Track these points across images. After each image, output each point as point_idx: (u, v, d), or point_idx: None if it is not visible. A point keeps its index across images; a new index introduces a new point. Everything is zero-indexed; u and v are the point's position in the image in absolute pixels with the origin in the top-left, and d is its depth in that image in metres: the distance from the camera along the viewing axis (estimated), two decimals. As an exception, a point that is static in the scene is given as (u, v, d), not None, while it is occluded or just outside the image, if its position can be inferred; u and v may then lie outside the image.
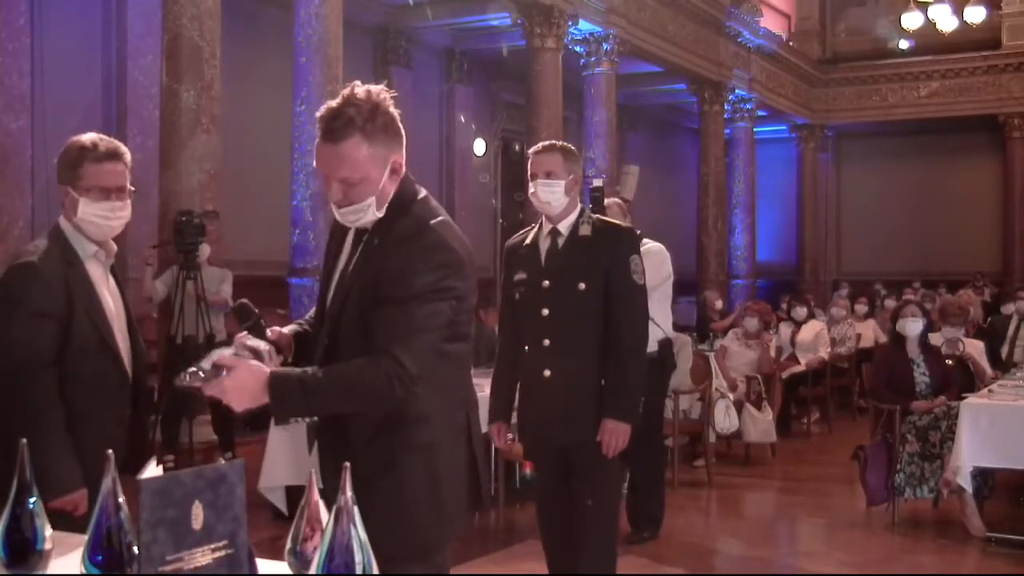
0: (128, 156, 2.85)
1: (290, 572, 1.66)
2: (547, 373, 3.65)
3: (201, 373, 2.16)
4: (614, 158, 13.38)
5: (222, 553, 1.56)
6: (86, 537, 1.53)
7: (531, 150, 3.90)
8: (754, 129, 18.26)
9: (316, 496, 1.65)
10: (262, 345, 2.27)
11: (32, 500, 1.61)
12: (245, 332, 2.29)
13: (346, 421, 2.30)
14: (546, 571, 3.93)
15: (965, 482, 5.64)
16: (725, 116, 16.98)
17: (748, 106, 17.69)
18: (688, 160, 18.58)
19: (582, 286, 3.63)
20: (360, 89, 2.28)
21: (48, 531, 1.63)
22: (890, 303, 11.71)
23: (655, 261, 5.36)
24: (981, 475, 5.86)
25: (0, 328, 2.73)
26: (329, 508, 1.57)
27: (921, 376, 6.39)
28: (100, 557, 1.51)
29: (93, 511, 1.54)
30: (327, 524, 1.52)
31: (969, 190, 20.65)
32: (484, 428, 3.25)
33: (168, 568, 1.48)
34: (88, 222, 2.79)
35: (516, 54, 12.55)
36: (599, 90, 13.15)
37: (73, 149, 2.80)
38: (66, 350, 2.72)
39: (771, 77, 18.78)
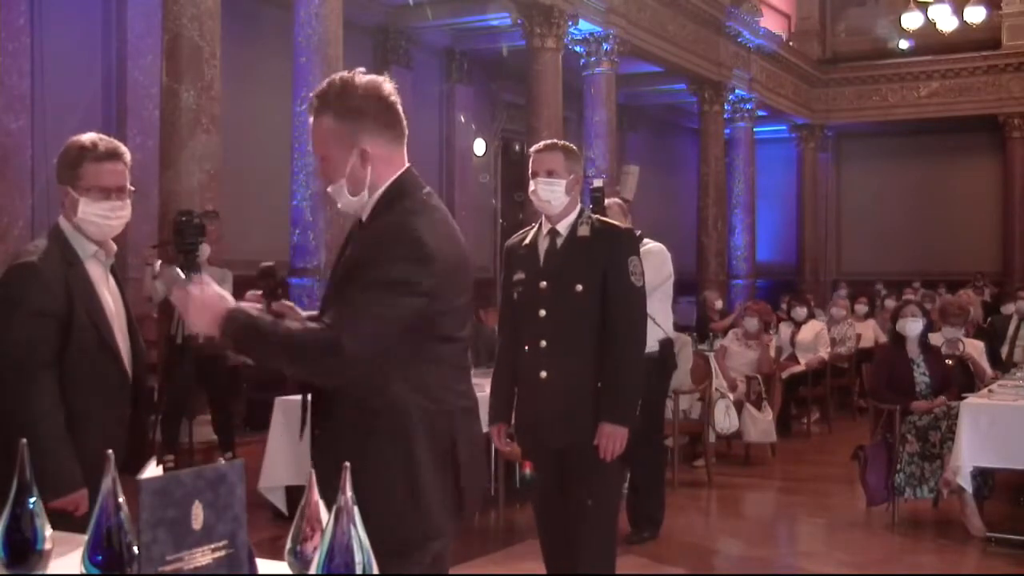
0: (128, 156, 2.85)
1: (290, 572, 1.66)
2: (544, 374, 3.63)
3: (182, 276, 2.23)
4: (614, 158, 13.38)
5: (222, 553, 1.56)
6: (86, 537, 1.53)
7: (532, 148, 3.88)
8: (754, 129, 18.26)
9: (316, 496, 1.65)
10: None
11: (32, 500, 1.61)
12: (259, 293, 2.35)
13: (333, 412, 2.32)
14: (545, 571, 3.93)
15: (965, 482, 5.64)
16: (725, 116, 16.97)
17: (748, 106, 17.68)
18: (688, 160, 18.58)
19: (579, 287, 3.61)
20: (357, 73, 2.34)
21: (48, 531, 1.63)
22: (890, 303, 11.71)
23: (656, 261, 5.35)
24: (981, 475, 5.86)
25: (0, 328, 2.73)
26: (329, 508, 1.57)
27: (921, 376, 6.39)
28: (100, 557, 1.51)
29: (93, 511, 1.54)
30: (327, 524, 1.52)
31: (969, 190, 20.65)
32: (484, 428, 3.23)
33: (168, 568, 1.48)
34: (88, 222, 2.79)
35: (516, 54, 12.55)
36: (599, 90, 13.15)
37: (73, 149, 2.80)
38: (66, 350, 2.72)
39: (771, 77, 18.78)
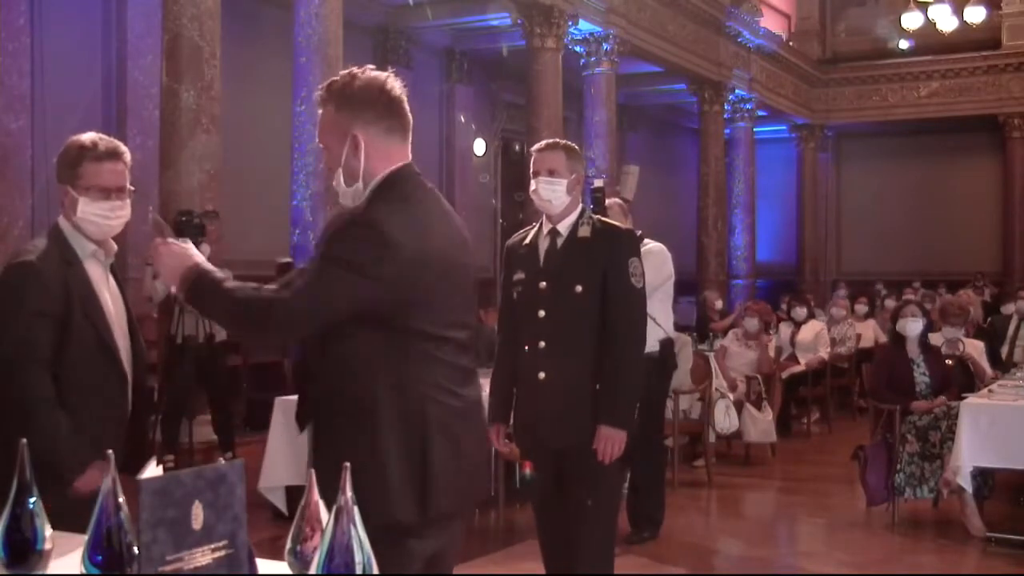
0: (128, 156, 2.85)
1: (290, 572, 1.66)
2: (542, 375, 3.60)
3: (168, 234, 2.39)
4: (614, 158, 13.38)
5: (222, 553, 1.56)
6: (86, 537, 1.53)
7: (534, 147, 3.86)
8: (754, 129, 18.26)
9: (316, 496, 1.65)
10: None
11: (32, 500, 1.60)
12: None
13: (319, 405, 2.37)
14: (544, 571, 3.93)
15: (965, 482, 5.64)
16: (725, 116, 16.97)
17: (748, 106, 17.68)
18: (688, 160, 18.58)
19: (579, 288, 3.58)
20: (367, 69, 2.38)
21: (48, 531, 1.63)
22: (890, 303, 11.71)
23: (656, 261, 5.35)
24: (981, 475, 5.86)
25: None
26: (329, 508, 1.57)
27: (921, 376, 6.39)
28: (100, 557, 1.51)
29: (93, 511, 1.54)
30: (327, 524, 1.52)
31: (969, 190, 20.65)
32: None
33: (168, 568, 1.48)
34: (88, 221, 2.79)
35: (516, 54, 12.55)
36: (599, 90, 13.15)
37: (73, 148, 2.80)
38: (64, 350, 2.72)
39: (771, 77, 18.78)
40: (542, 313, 3.63)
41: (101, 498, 1.52)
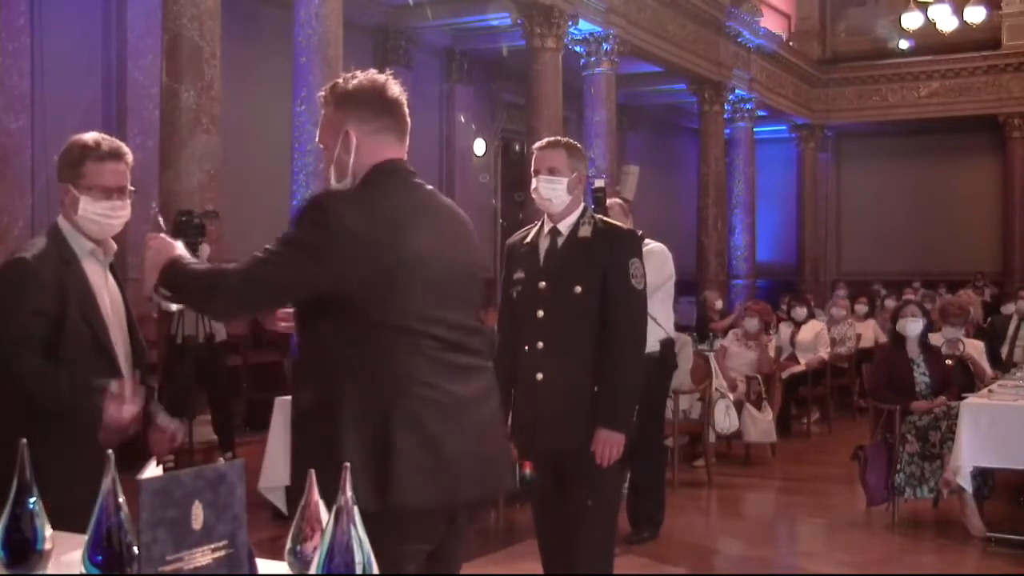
0: (130, 156, 2.86)
1: (290, 572, 1.66)
2: (540, 376, 3.56)
3: (162, 231, 2.50)
4: (614, 158, 13.39)
5: (222, 553, 1.56)
6: (86, 537, 1.53)
7: (535, 145, 3.81)
8: (754, 129, 18.26)
9: (316, 496, 1.65)
10: None
11: (32, 500, 1.61)
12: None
13: (296, 396, 2.43)
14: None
15: (965, 482, 5.63)
16: (725, 116, 16.97)
17: (748, 106, 17.68)
18: (688, 160, 18.58)
19: (578, 289, 3.53)
20: (368, 72, 2.43)
21: (48, 531, 1.63)
22: (890, 303, 11.71)
23: (657, 261, 5.34)
24: (981, 475, 5.86)
25: None
26: (329, 508, 1.57)
27: (921, 376, 6.39)
28: (100, 557, 1.51)
29: (93, 511, 1.54)
30: (327, 524, 1.52)
31: (969, 190, 20.65)
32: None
33: (168, 568, 1.48)
34: (89, 220, 2.79)
35: (516, 54, 12.55)
36: (599, 90, 13.15)
37: (76, 147, 2.80)
38: (60, 348, 2.71)
39: (771, 77, 18.78)
40: (541, 313, 3.58)
41: (101, 498, 1.52)
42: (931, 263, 19.97)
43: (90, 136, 2.82)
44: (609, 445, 3.49)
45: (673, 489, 6.75)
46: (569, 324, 3.56)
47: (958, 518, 5.99)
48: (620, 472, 3.91)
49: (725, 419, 7.63)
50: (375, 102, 2.39)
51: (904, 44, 19.71)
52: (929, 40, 18.99)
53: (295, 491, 2.15)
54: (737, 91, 17.10)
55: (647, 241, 5.26)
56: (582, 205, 3.72)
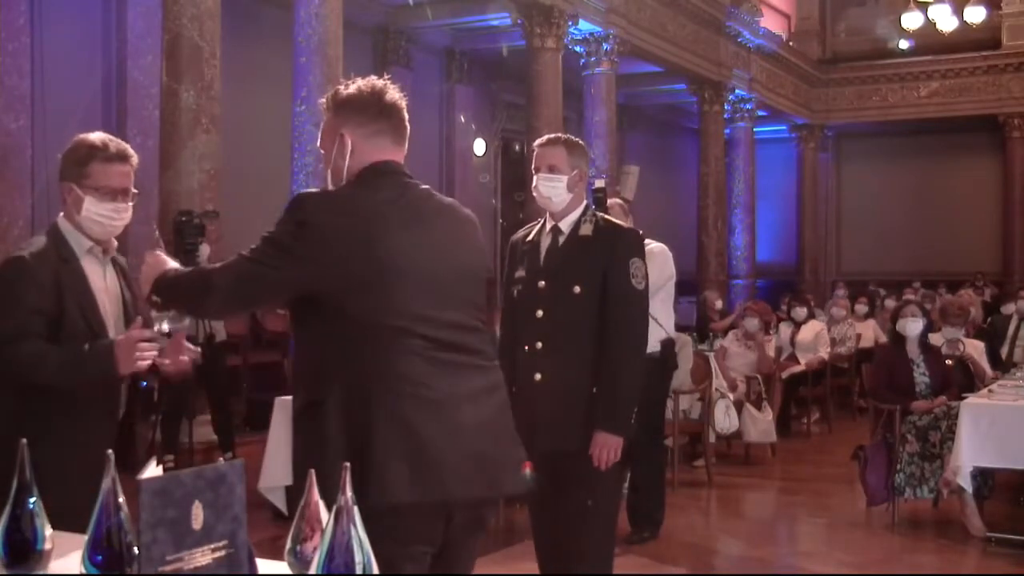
0: (135, 159, 2.86)
1: (290, 572, 1.66)
2: (538, 376, 3.52)
3: (159, 249, 2.62)
4: (614, 158, 13.38)
5: (222, 553, 1.57)
6: (86, 537, 1.53)
7: (535, 143, 3.77)
8: (754, 129, 18.26)
9: (316, 496, 1.65)
10: None
11: (32, 500, 1.61)
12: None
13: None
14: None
15: (965, 482, 5.64)
16: (725, 116, 16.97)
17: (748, 106, 17.68)
18: (688, 160, 18.58)
19: (577, 289, 3.49)
20: (369, 79, 2.47)
21: (48, 531, 1.63)
22: (890, 303, 11.71)
23: (658, 261, 5.32)
24: (981, 475, 5.86)
25: None
26: (329, 508, 1.57)
27: (921, 376, 6.39)
28: (100, 557, 1.52)
29: (93, 511, 1.54)
30: (327, 524, 1.53)
31: (969, 190, 20.65)
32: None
33: (168, 568, 1.48)
34: (92, 220, 2.79)
35: (516, 54, 12.55)
36: (599, 90, 13.15)
37: (82, 147, 2.79)
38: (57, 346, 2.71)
39: (771, 77, 18.78)
40: (540, 313, 3.55)
41: (101, 498, 1.52)
42: (931, 263, 19.97)
43: (97, 136, 2.81)
44: (607, 448, 3.46)
45: (673, 489, 6.75)
46: (568, 324, 3.53)
47: (958, 518, 5.99)
48: (620, 472, 3.89)
49: (725, 419, 7.63)
50: (372, 106, 2.42)
51: (904, 44, 19.71)
52: (929, 40, 18.99)
53: (295, 491, 2.15)
54: (737, 91, 17.10)
55: (648, 241, 5.23)
56: (584, 203, 3.68)
